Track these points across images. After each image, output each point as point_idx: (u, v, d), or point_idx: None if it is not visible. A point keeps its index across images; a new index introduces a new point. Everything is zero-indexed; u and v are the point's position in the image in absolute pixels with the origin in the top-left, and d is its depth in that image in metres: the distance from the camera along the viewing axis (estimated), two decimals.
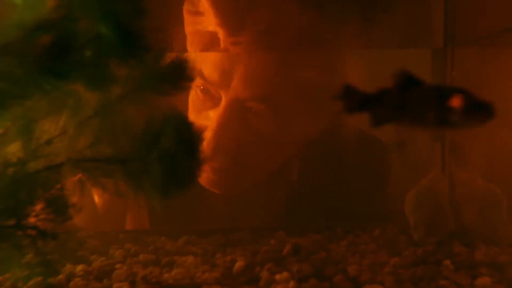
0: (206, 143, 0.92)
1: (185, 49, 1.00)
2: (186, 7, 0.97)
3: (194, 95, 1.00)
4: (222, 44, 0.94)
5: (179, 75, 0.56)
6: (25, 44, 0.48)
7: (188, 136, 0.56)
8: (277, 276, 0.69)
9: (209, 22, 0.93)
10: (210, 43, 0.96)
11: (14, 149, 0.56)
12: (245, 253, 0.80)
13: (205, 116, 0.99)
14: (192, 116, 1.01)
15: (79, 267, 0.73)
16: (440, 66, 0.92)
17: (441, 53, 0.92)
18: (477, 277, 0.68)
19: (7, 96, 0.50)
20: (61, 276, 0.69)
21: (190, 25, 0.98)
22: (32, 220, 0.56)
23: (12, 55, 0.48)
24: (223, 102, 0.96)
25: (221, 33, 0.93)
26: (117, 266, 0.75)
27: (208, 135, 0.95)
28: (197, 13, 0.95)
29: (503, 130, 1.00)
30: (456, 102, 0.50)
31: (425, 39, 0.94)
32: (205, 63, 0.97)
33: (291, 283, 0.66)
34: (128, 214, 1.09)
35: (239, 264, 0.74)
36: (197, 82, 0.98)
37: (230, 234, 0.92)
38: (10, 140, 0.56)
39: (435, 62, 0.93)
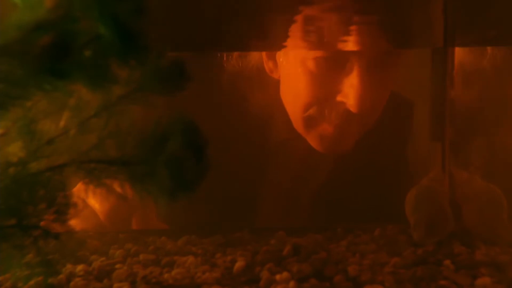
0: (351, 106, 0.96)
1: None
2: None
3: (313, 67, 0.99)
4: None
5: (180, 75, 0.56)
6: (24, 45, 0.48)
7: (195, 138, 0.55)
8: (277, 276, 0.69)
9: None
10: None
11: (15, 149, 0.56)
12: (245, 253, 0.80)
13: (335, 82, 0.99)
14: (312, 87, 1.01)
15: (79, 267, 0.73)
16: (440, 66, 0.92)
17: (441, 53, 0.92)
18: (477, 277, 0.68)
19: (7, 97, 0.50)
20: (61, 276, 0.69)
21: None
22: (34, 220, 0.56)
23: (12, 55, 0.48)
24: (356, 63, 0.96)
25: None
26: (117, 266, 0.75)
27: (349, 98, 0.96)
28: None
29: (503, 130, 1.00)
30: None
31: (425, 39, 0.94)
32: None
33: (291, 283, 0.66)
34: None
35: (239, 264, 0.74)
36: (314, 53, 0.97)
37: (230, 234, 0.92)
38: (11, 140, 0.56)
39: (435, 62, 0.93)
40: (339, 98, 0.99)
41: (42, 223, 0.56)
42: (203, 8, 0.70)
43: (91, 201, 0.99)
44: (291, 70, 1.04)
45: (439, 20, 0.80)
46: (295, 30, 0.82)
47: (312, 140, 1.06)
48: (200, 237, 0.90)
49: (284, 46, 0.98)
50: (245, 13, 0.73)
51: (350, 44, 0.92)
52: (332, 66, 0.98)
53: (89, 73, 0.51)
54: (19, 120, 0.55)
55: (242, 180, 1.10)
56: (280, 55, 1.07)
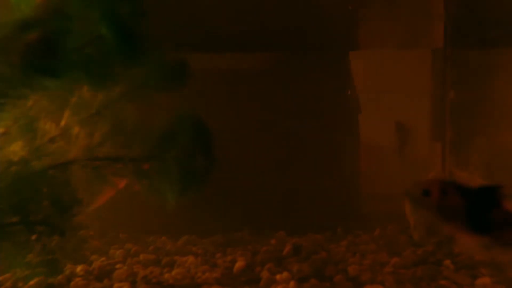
0: None
1: None
2: None
3: None
4: None
5: (182, 73, 0.56)
6: (14, 42, 0.48)
7: (202, 136, 0.56)
8: (278, 276, 0.69)
9: None
10: None
11: (16, 148, 0.56)
12: (245, 253, 0.80)
13: None
14: None
15: (80, 267, 0.73)
16: (440, 66, 0.92)
17: (441, 53, 0.92)
18: (477, 277, 0.68)
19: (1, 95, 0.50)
20: (61, 276, 0.69)
21: None
22: (38, 217, 0.56)
23: (1, 53, 0.48)
24: None
25: None
26: (118, 266, 0.75)
27: None
28: None
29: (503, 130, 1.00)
30: None
31: (425, 39, 0.94)
32: None
33: (292, 283, 0.66)
34: None
35: (239, 264, 0.74)
36: None
37: (230, 234, 0.93)
38: (12, 139, 0.56)
39: (435, 62, 0.93)
40: None
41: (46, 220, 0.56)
42: None
43: None
44: None
45: (440, 21, 0.80)
46: None
47: None
48: (200, 237, 0.91)
49: None
50: None
51: None
52: None
53: (90, 72, 0.51)
54: (20, 119, 0.55)
55: None
56: None
